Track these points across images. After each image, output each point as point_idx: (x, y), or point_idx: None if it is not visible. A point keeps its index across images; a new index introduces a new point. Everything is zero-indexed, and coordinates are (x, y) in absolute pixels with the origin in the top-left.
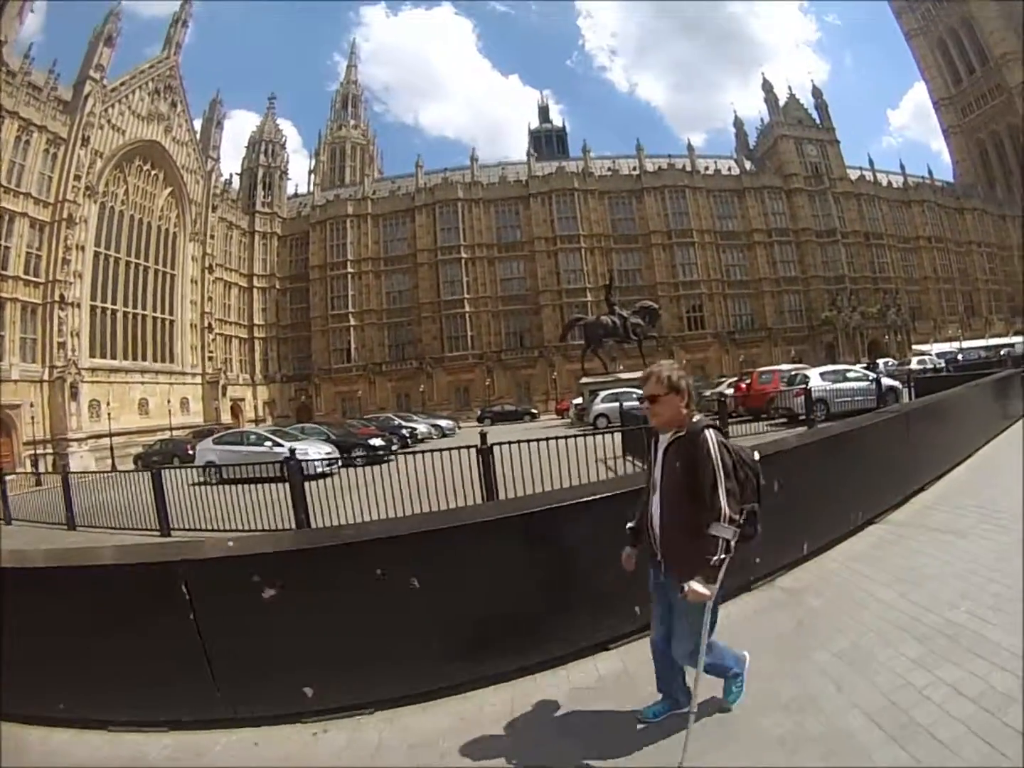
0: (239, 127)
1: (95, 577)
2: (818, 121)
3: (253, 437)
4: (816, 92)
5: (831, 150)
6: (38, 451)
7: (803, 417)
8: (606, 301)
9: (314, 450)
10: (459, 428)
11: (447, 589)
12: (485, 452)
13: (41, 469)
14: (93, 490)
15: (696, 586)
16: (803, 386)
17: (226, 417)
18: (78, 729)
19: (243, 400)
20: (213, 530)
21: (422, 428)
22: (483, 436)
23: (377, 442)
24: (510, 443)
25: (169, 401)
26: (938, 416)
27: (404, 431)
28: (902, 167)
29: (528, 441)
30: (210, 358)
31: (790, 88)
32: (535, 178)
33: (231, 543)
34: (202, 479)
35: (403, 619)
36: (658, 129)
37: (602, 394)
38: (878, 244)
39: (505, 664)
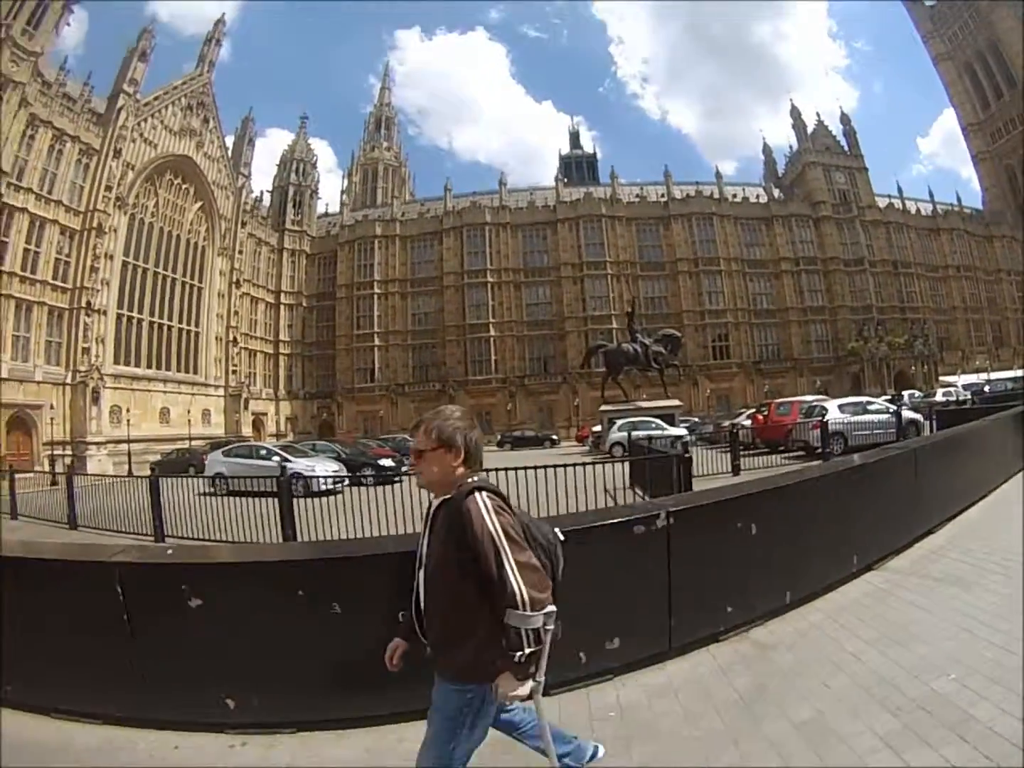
0: (273, 145)
1: (37, 570)
2: (846, 148)
3: (263, 452)
4: (844, 119)
5: (860, 177)
6: (55, 452)
7: (820, 450)
8: (628, 329)
9: (321, 467)
10: None
11: (368, 615)
12: None
13: (59, 470)
14: (101, 493)
15: (505, 685)
16: (820, 418)
17: (247, 430)
18: (24, 712)
19: (265, 415)
20: (205, 539)
21: None
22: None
23: (387, 462)
24: (515, 469)
25: (189, 412)
26: (951, 452)
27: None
28: (931, 194)
29: (526, 468)
30: (234, 371)
31: (818, 115)
32: (563, 203)
33: (170, 551)
34: (211, 489)
35: (324, 643)
36: (690, 156)
37: (619, 422)
38: (906, 273)
39: (423, 702)
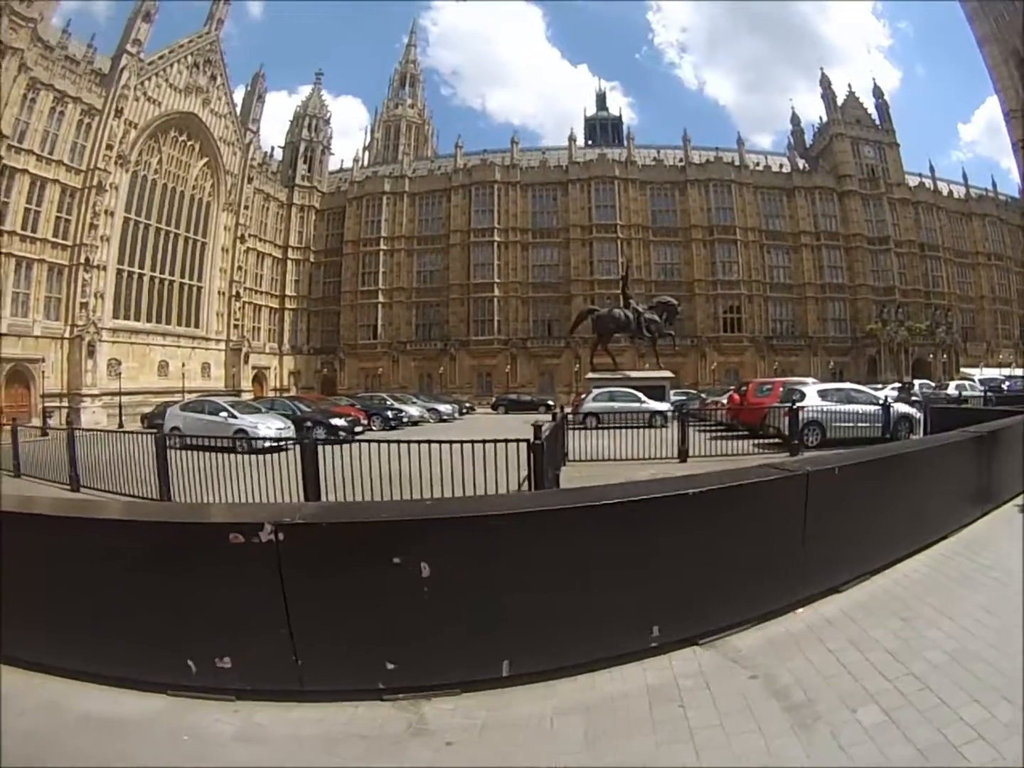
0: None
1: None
2: (878, 122)
3: (210, 407)
4: (877, 91)
5: (890, 153)
6: (48, 404)
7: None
8: (622, 294)
9: (265, 425)
10: (471, 412)
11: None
12: None
13: (53, 422)
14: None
15: None
16: (790, 404)
17: (246, 384)
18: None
19: (268, 369)
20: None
21: (413, 412)
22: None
23: (339, 422)
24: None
25: (184, 365)
26: (871, 483)
27: (389, 413)
28: (965, 178)
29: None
30: (235, 326)
31: (849, 86)
32: (575, 164)
33: None
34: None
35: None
36: (726, 128)
37: (594, 392)
38: (933, 256)
39: None
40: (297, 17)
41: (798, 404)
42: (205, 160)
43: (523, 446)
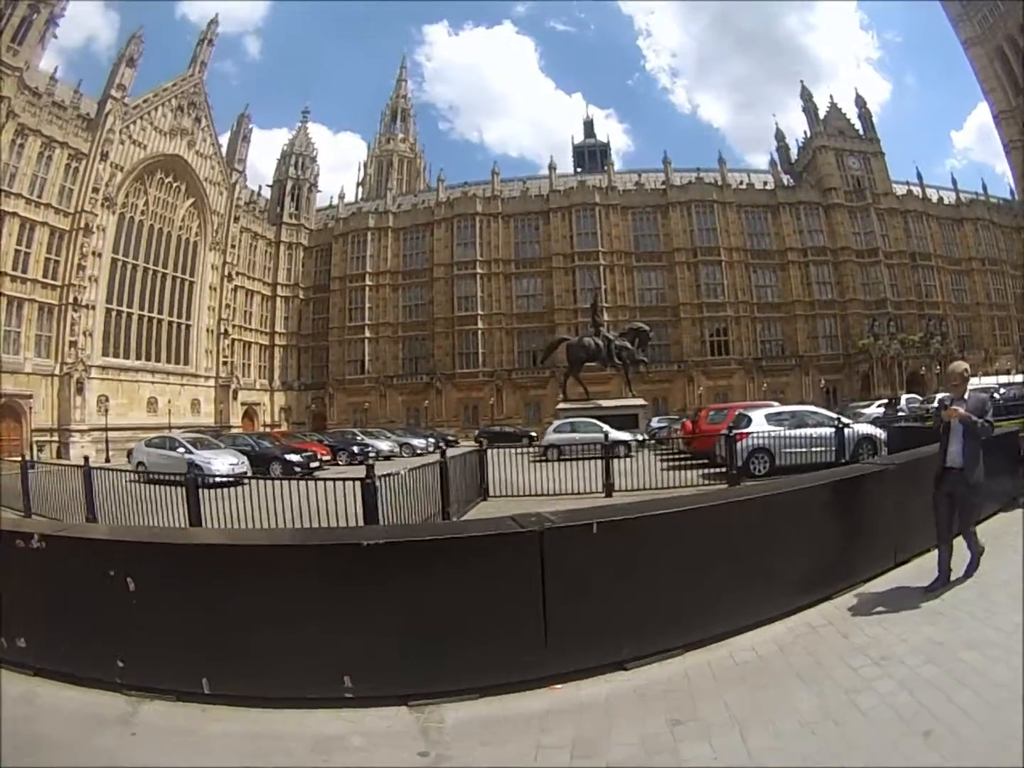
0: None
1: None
2: (862, 132)
3: (170, 443)
4: (860, 101)
5: (875, 163)
6: (36, 439)
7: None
8: (592, 321)
9: (219, 460)
10: (455, 445)
11: None
12: None
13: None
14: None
15: None
16: (728, 431)
17: (235, 420)
18: None
19: (259, 405)
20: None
21: (383, 446)
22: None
23: (294, 458)
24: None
25: (170, 401)
26: (659, 542)
27: (355, 448)
28: (954, 182)
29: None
30: (224, 363)
31: (831, 96)
32: (556, 192)
33: None
34: (135, 477)
35: None
36: (722, 150)
37: (555, 423)
38: (925, 265)
39: None
40: (293, 54)
41: (738, 431)
42: (191, 200)
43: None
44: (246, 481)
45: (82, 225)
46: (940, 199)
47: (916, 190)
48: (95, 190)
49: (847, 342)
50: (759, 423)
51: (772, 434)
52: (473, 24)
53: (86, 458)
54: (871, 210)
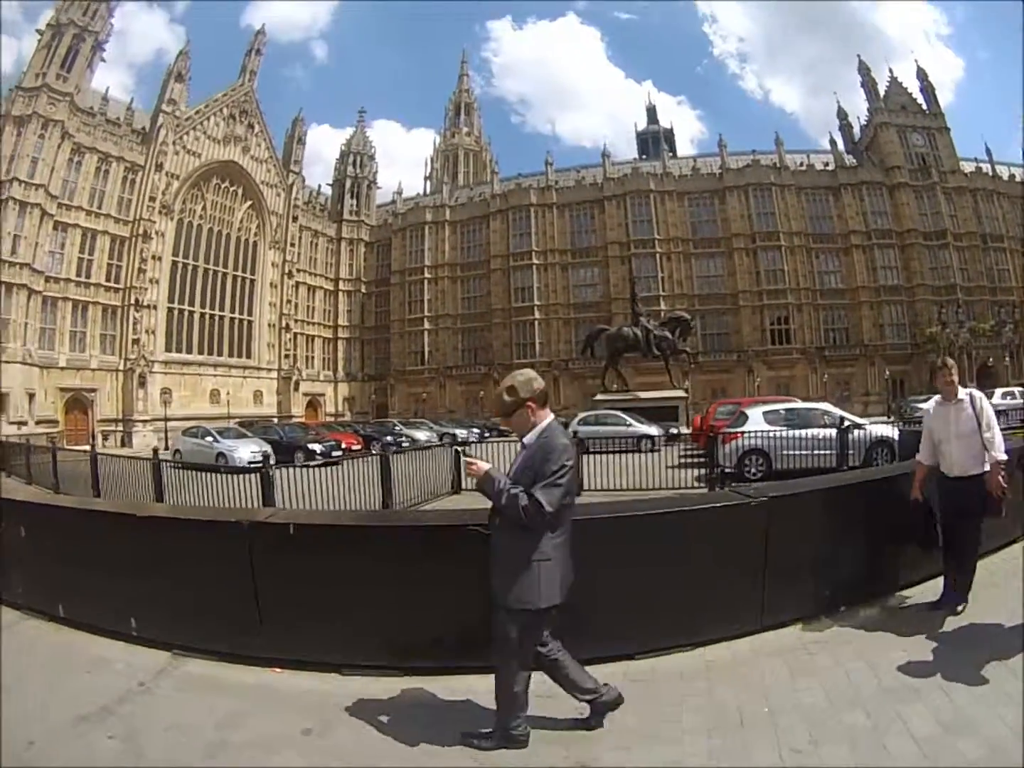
0: (383, 139)
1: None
2: (925, 107)
3: (201, 432)
4: (921, 74)
5: (940, 139)
6: (102, 428)
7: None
8: (632, 311)
9: (243, 449)
10: (507, 435)
11: None
12: None
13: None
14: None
15: None
16: (710, 430)
17: (297, 410)
18: None
19: (323, 395)
20: None
21: (420, 436)
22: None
23: (316, 447)
24: None
25: (231, 393)
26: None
27: (389, 438)
28: None
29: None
30: (287, 356)
31: (891, 70)
32: (609, 180)
33: None
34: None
35: None
36: (795, 133)
37: (580, 415)
38: (997, 248)
39: None
40: (357, 56)
41: (728, 429)
42: (249, 203)
43: None
44: (267, 468)
45: (141, 232)
46: (1012, 176)
47: (985, 167)
48: (152, 199)
49: (915, 330)
50: (755, 422)
51: (768, 434)
52: (536, 18)
53: (155, 450)
54: (937, 189)
